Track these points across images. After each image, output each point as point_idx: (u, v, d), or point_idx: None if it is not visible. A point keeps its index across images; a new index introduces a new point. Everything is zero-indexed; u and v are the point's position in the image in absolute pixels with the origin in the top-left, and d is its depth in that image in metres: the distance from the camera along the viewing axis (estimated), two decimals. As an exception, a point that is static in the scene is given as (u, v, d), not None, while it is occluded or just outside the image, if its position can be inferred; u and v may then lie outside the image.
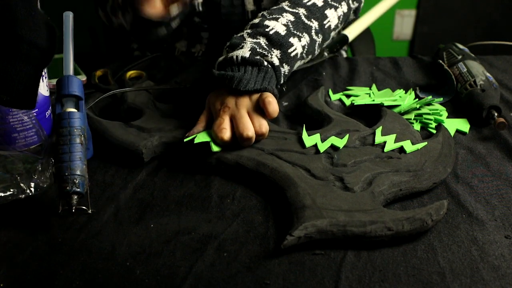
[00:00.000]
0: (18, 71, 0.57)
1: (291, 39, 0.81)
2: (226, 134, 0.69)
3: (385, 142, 0.70)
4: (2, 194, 0.61)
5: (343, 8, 0.92)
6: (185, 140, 0.70)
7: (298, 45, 0.82)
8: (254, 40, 0.79)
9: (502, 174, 0.69)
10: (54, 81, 0.90)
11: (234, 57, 0.76)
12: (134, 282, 0.52)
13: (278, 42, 0.79)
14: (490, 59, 1.06)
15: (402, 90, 0.91)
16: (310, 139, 0.71)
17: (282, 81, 0.80)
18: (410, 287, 0.51)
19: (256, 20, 0.83)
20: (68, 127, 0.60)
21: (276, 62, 0.78)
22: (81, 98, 0.64)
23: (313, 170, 0.65)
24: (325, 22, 0.87)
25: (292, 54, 0.81)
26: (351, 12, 0.97)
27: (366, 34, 1.32)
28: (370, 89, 0.92)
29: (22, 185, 0.62)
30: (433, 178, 0.65)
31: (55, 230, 0.58)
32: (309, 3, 0.86)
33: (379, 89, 0.92)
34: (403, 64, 1.05)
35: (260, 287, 0.51)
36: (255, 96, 0.74)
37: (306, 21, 0.84)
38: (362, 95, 0.89)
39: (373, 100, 0.85)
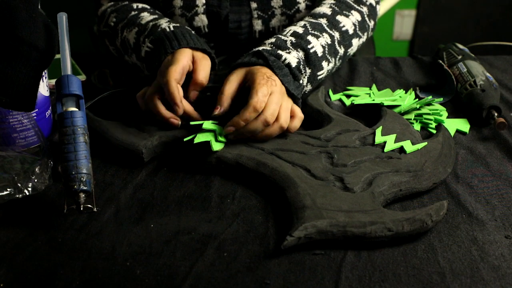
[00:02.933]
0: (18, 73, 0.57)
1: (323, 63, 0.83)
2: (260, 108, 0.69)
3: (385, 142, 0.70)
4: None
5: (364, 38, 0.94)
6: (185, 139, 0.70)
7: (326, 69, 0.85)
8: (297, 53, 0.80)
9: (502, 174, 0.69)
10: (54, 81, 0.91)
11: (283, 58, 0.78)
12: (134, 282, 0.52)
13: (313, 62, 0.81)
14: (490, 59, 1.06)
15: (402, 90, 0.91)
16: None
17: (300, 99, 0.80)
18: (410, 287, 0.51)
19: (299, 30, 0.83)
20: (71, 126, 0.61)
21: (305, 82, 0.81)
22: (82, 97, 0.64)
23: (313, 170, 0.65)
24: (349, 50, 0.90)
25: (319, 77, 0.84)
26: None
27: (366, 34, 1.32)
28: (370, 89, 0.92)
29: (19, 185, 0.62)
30: (433, 179, 0.65)
31: (55, 230, 0.58)
32: (343, 29, 0.87)
33: (379, 89, 0.92)
34: (403, 64, 1.05)
35: (260, 287, 0.51)
36: (291, 101, 0.76)
37: (337, 46, 0.86)
38: (362, 95, 0.89)
39: (373, 100, 0.85)
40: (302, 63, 0.80)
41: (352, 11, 0.90)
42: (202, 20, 0.95)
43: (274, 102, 0.71)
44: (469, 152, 0.74)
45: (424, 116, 0.81)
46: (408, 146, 0.69)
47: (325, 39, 0.84)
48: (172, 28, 0.82)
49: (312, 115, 0.82)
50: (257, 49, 0.78)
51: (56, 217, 0.60)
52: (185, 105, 0.74)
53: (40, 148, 0.68)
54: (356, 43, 0.91)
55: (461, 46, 1.00)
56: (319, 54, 0.82)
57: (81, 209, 0.57)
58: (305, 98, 0.85)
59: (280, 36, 0.83)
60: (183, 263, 0.54)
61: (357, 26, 0.90)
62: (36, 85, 0.60)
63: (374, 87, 0.93)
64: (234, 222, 0.60)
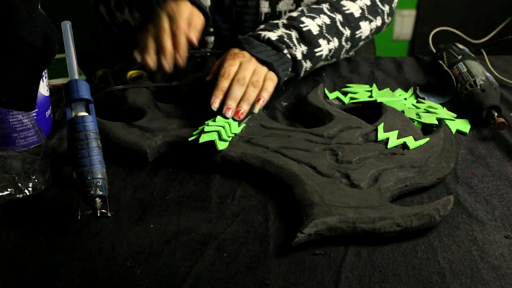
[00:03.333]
0: (18, 72, 0.56)
1: (320, 40, 0.86)
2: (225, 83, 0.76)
3: (387, 139, 0.70)
4: (0, 194, 0.61)
5: (377, 22, 0.96)
6: (189, 139, 0.70)
7: (325, 47, 0.87)
8: (286, 31, 0.84)
9: (502, 174, 0.69)
10: (54, 81, 0.91)
11: (262, 35, 0.83)
12: (134, 282, 0.52)
13: (307, 39, 0.85)
14: (490, 59, 1.06)
15: (401, 90, 0.91)
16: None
17: (302, 75, 0.87)
18: (410, 287, 0.51)
19: (294, 14, 0.88)
20: (84, 131, 0.60)
21: (299, 56, 0.84)
22: (91, 101, 0.64)
23: (319, 167, 0.65)
24: (357, 32, 0.92)
25: (317, 54, 0.86)
26: (384, 26, 1.01)
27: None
28: (371, 87, 0.92)
29: (19, 185, 0.62)
30: (437, 174, 0.65)
31: (55, 230, 0.58)
32: (347, 11, 0.90)
33: (379, 89, 0.92)
34: (403, 64, 1.05)
35: (260, 287, 0.51)
36: (265, 69, 0.80)
37: (340, 27, 0.89)
38: (361, 92, 0.89)
39: (370, 97, 0.85)
40: (293, 39, 0.83)
41: None
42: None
43: (244, 68, 0.78)
44: (469, 152, 0.74)
45: (424, 114, 0.81)
46: (411, 142, 0.69)
47: (322, 19, 0.87)
48: None
49: (312, 112, 0.82)
50: (238, 35, 0.84)
51: (56, 217, 0.60)
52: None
53: (40, 148, 0.68)
54: (366, 26, 0.93)
55: (461, 46, 1.00)
56: (314, 32, 0.86)
57: (98, 214, 0.57)
58: (305, 95, 0.85)
59: (273, 21, 0.88)
60: (183, 263, 0.54)
61: (366, 10, 0.92)
62: (36, 85, 0.60)
63: (374, 86, 0.93)
64: (234, 222, 0.60)
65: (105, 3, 0.97)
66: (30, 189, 0.63)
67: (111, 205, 0.62)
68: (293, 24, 0.86)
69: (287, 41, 0.83)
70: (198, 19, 0.83)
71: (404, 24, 2.27)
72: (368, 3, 0.93)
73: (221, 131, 0.70)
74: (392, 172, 0.64)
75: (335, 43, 0.89)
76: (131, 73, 0.96)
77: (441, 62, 0.95)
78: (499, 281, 0.52)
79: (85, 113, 0.62)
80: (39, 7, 0.60)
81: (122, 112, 0.82)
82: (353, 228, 0.55)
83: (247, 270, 0.53)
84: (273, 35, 0.83)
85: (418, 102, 0.86)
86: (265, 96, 0.79)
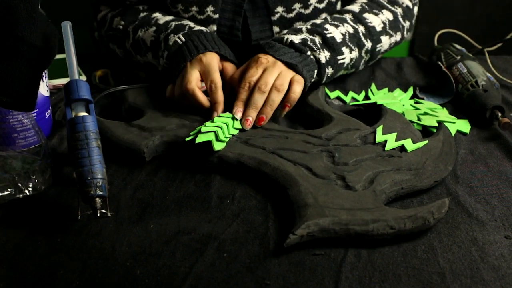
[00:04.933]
0: (18, 72, 0.56)
1: (343, 48, 0.86)
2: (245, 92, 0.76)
3: (386, 141, 0.70)
4: (0, 194, 0.61)
5: (397, 37, 0.96)
6: (186, 139, 0.70)
7: (347, 56, 0.87)
8: (310, 36, 0.84)
9: (502, 174, 0.69)
10: (54, 82, 0.91)
11: (285, 38, 0.82)
12: (134, 282, 0.52)
13: (331, 46, 0.84)
14: (490, 59, 1.06)
15: (400, 90, 0.91)
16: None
17: (324, 81, 0.86)
18: (410, 287, 0.51)
19: (318, 21, 0.88)
20: (84, 131, 0.60)
21: (323, 60, 0.83)
22: (91, 101, 0.64)
23: (315, 168, 0.65)
24: (377, 46, 0.92)
25: (340, 62, 0.86)
26: (403, 41, 1.01)
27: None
28: (370, 88, 0.92)
29: (20, 185, 0.62)
30: (434, 177, 0.65)
31: (55, 230, 0.58)
32: (369, 24, 0.90)
33: (379, 89, 0.92)
34: (403, 64, 1.05)
35: (260, 287, 0.51)
36: (291, 72, 0.79)
37: (362, 38, 0.89)
38: (380, 95, 0.89)
39: (369, 99, 0.86)
40: (315, 42, 0.83)
41: (384, 10, 0.93)
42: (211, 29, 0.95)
43: (267, 74, 0.77)
44: (469, 152, 0.74)
45: (424, 116, 0.81)
46: (409, 145, 0.69)
47: (345, 28, 0.87)
48: (206, 30, 0.86)
49: (312, 114, 0.82)
50: (261, 42, 0.84)
51: (56, 217, 0.60)
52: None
53: (40, 148, 0.68)
54: (387, 41, 0.93)
55: (458, 47, 1.00)
56: (338, 40, 0.85)
57: (98, 214, 0.57)
58: (307, 96, 0.85)
59: (297, 26, 0.87)
60: (183, 263, 0.54)
61: (387, 25, 0.92)
62: (36, 85, 0.60)
63: (373, 86, 0.93)
64: (234, 222, 0.60)
65: (118, 44, 0.95)
66: (30, 189, 0.63)
67: (111, 205, 0.62)
68: (317, 30, 0.85)
69: (311, 44, 0.82)
70: (232, 71, 0.83)
71: (404, 24, 2.27)
72: (391, 18, 0.93)
73: (218, 132, 0.70)
74: (388, 174, 0.64)
75: (356, 53, 0.88)
76: (131, 73, 0.96)
77: (439, 63, 0.95)
78: (499, 281, 0.52)
79: (85, 113, 0.62)
80: (39, 7, 0.60)
81: (122, 111, 0.82)
82: (346, 230, 0.55)
83: (247, 270, 0.53)
84: (296, 38, 0.82)
85: (416, 102, 0.86)
86: (291, 102, 0.78)
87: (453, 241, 0.57)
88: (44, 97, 0.74)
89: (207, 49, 0.82)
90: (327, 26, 0.86)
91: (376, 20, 0.91)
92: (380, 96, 0.88)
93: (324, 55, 0.83)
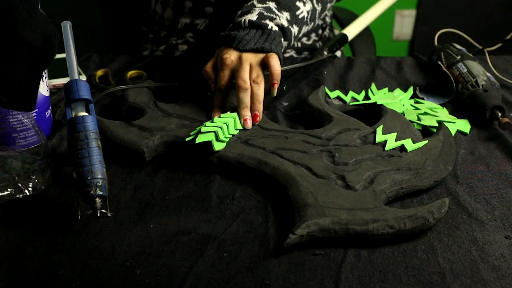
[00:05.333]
0: (18, 72, 0.56)
1: (298, 3, 0.87)
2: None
3: (386, 141, 0.70)
4: (0, 194, 0.61)
5: None
6: (186, 139, 0.70)
7: (304, 9, 0.88)
8: (264, 5, 0.85)
9: (502, 174, 0.69)
10: (54, 82, 0.91)
11: (242, 20, 0.83)
12: (134, 282, 0.52)
13: (286, 5, 0.85)
14: (490, 59, 1.06)
15: (400, 90, 0.91)
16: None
17: (292, 42, 0.87)
18: (410, 287, 0.51)
19: None
20: (83, 131, 0.60)
21: (285, 23, 0.84)
22: (91, 101, 0.64)
23: (315, 168, 0.65)
24: None
25: (300, 16, 0.87)
26: None
27: (367, 34, 1.32)
28: (370, 88, 0.92)
29: (20, 185, 0.62)
30: (434, 176, 0.65)
31: (55, 230, 0.58)
32: None
33: (379, 89, 0.92)
34: (403, 64, 1.05)
35: (260, 287, 0.51)
36: (260, 55, 0.80)
37: None
38: (381, 95, 0.89)
39: (369, 99, 0.85)
40: (273, 9, 0.84)
41: None
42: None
43: (240, 72, 0.77)
44: (469, 152, 0.74)
45: (424, 116, 0.81)
46: (409, 145, 0.69)
47: None
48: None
49: (312, 114, 0.82)
50: (220, 33, 0.84)
51: (56, 217, 0.60)
52: None
53: (40, 148, 0.68)
54: None
55: (458, 46, 1.00)
56: None
57: (98, 214, 0.57)
58: (306, 96, 0.85)
59: (247, 3, 0.88)
60: (183, 263, 0.54)
61: None
62: (36, 85, 0.60)
63: (373, 86, 0.93)
64: (234, 222, 0.60)
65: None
66: (30, 189, 0.63)
67: (111, 205, 0.62)
68: None
69: (268, 14, 0.83)
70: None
71: (404, 24, 2.27)
72: None
73: (218, 132, 0.70)
74: (388, 174, 0.64)
75: (309, 4, 0.90)
76: (131, 73, 0.96)
77: (439, 63, 0.95)
78: (499, 281, 0.52)
79: (85, 113, 0.62)
80: (39, 7, 0.60)
81: (122, 111, 0.82)
82: (345, 229, 0.55)
83: (247, 270, 0.53)
84: (252, 16, 0.83)
85: (416, 102, 0.86)
86: (277, 78, 0.79)
87: (453, 241, 0.57)
88: (44, 97, 0.74)
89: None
90: None
91: None
92: (380, 96, 0.88)
93: (285, 17, 0.84)
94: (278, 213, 0.61)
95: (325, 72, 0.99)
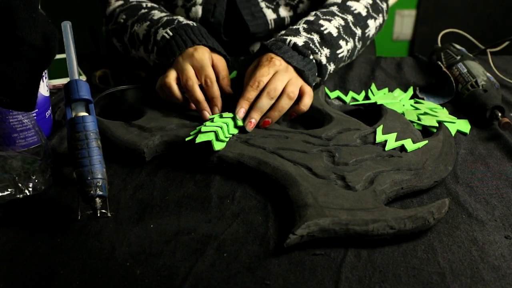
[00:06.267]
0: (18, 72, 0.56)
1: (341, 42, 0.87)
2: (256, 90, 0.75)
3: (386, 141, 0.70)
4: (0, 194, 0.61)
5: (380, 19, 0.98)
6: (186, 139, 0.70)
7: (345, 48, 0.88)
8: (309, 36, 0.84)
9: (502, 174, 0.69)
10: (54, 82, 0.91)
11: (288, 40, 0.82)
12: (134, 282, 0.52)
13: (330, 42, 0.85)
14: (491, 59, 1.06)
15: (400, 90, 0.91)
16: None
17: (325, 78, 0.87)
18: (410, 287, 0.51)
19: (311, 18, 0.88)
20: (83, 131, 0.60)
21: (324, 60, 0.84)
22: (91, 101, 0.64)
23: (315, 168, 0.65)
24: (366, 31, 0.93)
25: (340, 56, 0.87)
26: (383, 24, 1.02)
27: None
28: (370, 88, 0.92)
29: (20, 185, 0.62)
30: (434, 177, 0.65)
31: (55, 230, 0.58)
32: (355, 12, 0.92)
33: (379, 89, 0.92)
34: (403, 64, 1.05)
35: (260, 287, 0.51)
36: (301, 80, 0.79)
37: (352, 27, 0.90)
38: (381, 95, 0.89)
39: (369, 99, 0.85)
40: (316, 43, 0.83)
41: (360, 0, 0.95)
42: (197, 11, 1.00)
43: (278, 79, 0.76)
44: (469, 153, 0.74)
45: (424, 116, 0.81)
46: (409, 145, 0.69)
47: (338, 21, 0.88)
48: (192, 24, 0.86)
49: (312, 114, 0.82)
50: (263, 42, 0.83)
51: (56, 217, 0.60)
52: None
53: (40, 148, 0.68)
54: (372, 24, 0.94)
55: (458, 47, 1.00)
56: (334, 34, 0.86)
57: (98, 214, 0.57)
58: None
59: (292, 26, 0.87)
60: (183, 263, 0.54)
61: (370, 8, 0.94)
62: (36, 85, 0.60)
63: (373, 86, 0.93)
64: (234, 222, 0.60)
65: (118, 38, 0.97)
66: (30, 189, 0.63)
67: (111, 205, 0.62)
68: (313, 27, 0.85)
69: (312, 46, 0.83)
70: (223, 64, 0.83)
71: (404, 24, 2.27)
72: (370, 1, 0.95)
73: (218, 132, 0.70)
74: (389, 174, 0.64)
75: (351, 43, 0.89)
76: (131, 73, 0.96)
77: (439, 63, 0.95)
78: (499, 282, 0.52)
79: (85, 113, 0.62)
80: (39, 7, 0.60)
81: (122, 111, 0.82)
82: (345, 230, 0.55)
83: (247, 270, 0.53)
84: (299, 41, 0.82)
85: (416, 102, 0.86)
86: (299, 113, 0.78)
87: (453, 241, 0.57)
88: (44, 97, 0.74)
89: (195, 43, 0.82)
90: (321, 22, 0.87)
91: (359, 6, 0.93)
92: (380, 96, 0.88)
93: (324, 54, 0.84)
94: (278, 213, 0.61)
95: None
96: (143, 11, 0.94)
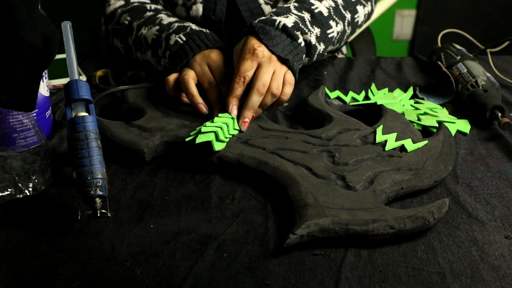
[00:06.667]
0: (18, 73, 0.56)
1: (331, 22, 0.87)
2: (243, 83, 0.76)
3: (386, 141, 0.70)
4: (0, 194, 0.61)
5: (368, 7, 0.98)
6: (186, 139, 0.70)
7: (335, 29, 0.88)
8: (299, 14, 0.84)
9: (502, 174, 0.69)
10: (54, 82, 0.91)
11: (277, 21, 0.81)
12: (134, 282, 0.52)
13: (320, 21, 0.85)
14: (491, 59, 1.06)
15: (400, 90, 0.91)
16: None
17: (314, 58, 0.87)
18: (410, 287, 0.51)
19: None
20: (84, 131, 0.60)
21: (314, 40, 0.84)
22: (91, 101, 0.64)
23: (315, 168, 0.65)
24: (355, 16, 0.94)
25: (330, 36, 0.87)
26: (371, 14, 1.02)
27: (367, 34, 1.32)
28: (370, 88, 0.92)
29: (20, 185, 0.62)
30: (434, 177, 0.65)
31: (55, 230, 0.58)
32: None
33: (379, 89, 0.92)
34: (403, 64, 1.05)
35: (260, 287, 0.51)
36: (285, 68, 0.79)
37: (342, 10, 0.90)
38: (380, 95, 0.89)
39: (369, 100, 0.85)
40: (306, 22, 0.83)
41: None
42: (197, 9, 1.00)
43: (264, 72, 0.75)
44: (469, 153, 0.74)
45: (425, 116, 0.81)
46: (409, 145, 0.69)
47: (328, 2, 0.89)
48: (206, 30, 0.88)
49: (312, 114, 0.82)
50: (252, 22, 0.82)
51: (56, 217, 0.60)
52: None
53: (40, 148, 0.68)
54: (361, 11, 0.95)
55: (458, 47, 1.00)
56: (325, 14, 0.87)
57: (98, 215, 0.57)
58: (306, 96, 0.85)
59: (283, 5, 0.87)
60: (183, 263, 0.54)
61: None
62: (36, 85, 0.60)
63: (373, 86, 0.93)
64: (234, 222, 0.60)
65: (121, 39, 0.97)
66: (30, 189, 0.63)
67: (111, 205, 0.62)
68: (304, 6, 0.86)
69: (302, 26, 0.82)
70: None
71: (404, 24, 2.27)
72: None
73: (218, 132, 0.70)
74: (389, 174, 0.64)
75: (341, 25, 0.90)
76: (131, 73, 0.96)
77: (439, 63, 0.95)
78: (499, 282, 0.52)
79: (85, 113, 0.62)
80: (39, 7, 0.60)
81: (122, 111, 0.82)
82: (346, 229, 0.55)
83: (247, 270, 0.53)
84: (288, 22, 0.81)
85: (416, 102, 0.86)
86: (280, 104, 0.79)
87: (453, 241, 0.57)
88: (44, 97, 0.74)
89: (208, 47, 0.83)
90: (312, 1, 0.87)
91: None
92: (380, 96, 0.88)
93: (314, 34, 0.84)
94: (278, 213, 0.61)
95: (325, 72, 0.99)
96: (148, 14, 0.94)
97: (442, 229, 0.59)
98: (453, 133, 0.78)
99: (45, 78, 0.74)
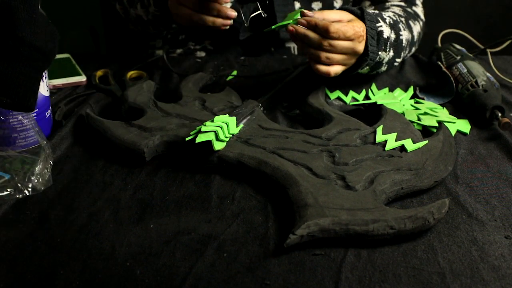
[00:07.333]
0: (18, 73, 0.56)
1: (402, 53, 0.92)
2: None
3: (386, 141, 0.70)
4: (0, 194, 0.61)
5: (413, 51, 1.05)
6: (186, 139, 0.70)
7: (399, 60, 0.93)
8: (390, 31, 0.86)
9: (502, 174, 0.69)
10: (54, 82, 0.91)
11: (379, 23, 0.83)
12: (134, 282, 0.52)
13: (397, 48, 0.89)
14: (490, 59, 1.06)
15: (401, 90, 0.91)
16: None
17: (363, 73, 0.90)
18: (410, 287, 0.51)
19: (394, 17, 0.91)
20: None
21: (385, 60, 0.87)
22: None
23: (315, 168, 0.65)
24: (408, 55, 1.01)
25: (395, 64, 0.92)
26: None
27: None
28: (370, 88, 0.92)
29: (19, 185, 0.62)
30: (434, 177, 0.65)
31: (55, 230, 0.58)
32: (414, 33, 0.97)
33: (379, 89, 0.92)
34: (403, 64, 1.05)
35: (260, 287, 0.51)
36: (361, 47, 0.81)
37: (407, 46, 0.95)
38: (381, 95, 0.90)
39: (370, 99, 0.85)
40: (390, 41, 0.86)
41: (416, 22, 1.00)
42: None
43: (347, 30, 0.77)
44: (469, 153, 0.74)
45: (425, 116, 0.81)
46: (409, 145, 0.69)
47: (407, 33, 0.92)
48: None
49: (312, 114, 0.82)
50: (359, 6, 0.84)
51: (56, 217, 0.60)
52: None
53: (40, 148, 0.68)
54: (411, 52, 1.01)
55: (458, 47, 1.00)
56: (404, 44, 0.90)
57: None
58: (306, 97, 0.85)
59: (380, 12, 0.90)
60: (183, 263, 0.54)
61: (416, 38, 1.00)
62: (36, 86, 0.60)
63: (373, 86, 0.93)
64: (234, 222, 0.60)
65: (119, 1, 1.02)
66: (30, 189, 0.63)
67: (111, 206, 0.62)
68: (395, 28, 0.88)
69: (387, 43, 0.85)
70: None
71: (404, 24, 2.27)
72: (419, 30, 1.02)
73: (218, 132, 0.70)
74: (389, 174, 0.64)
75: (400, 59, 0.94)
76: (131, 73, 0.96)
77: (439, 63, 0.95)
78: (499, 282, 0.52)
79: None
80: (39, 7, 0.60)
81: (122, 111, 0.82)
82: (346, 230, 0.55)
83: (247, 270, 0.53)
84: (386, 31, 0.84)
85: (416, 102, 0.86)
86: (321, 27, 0.78)
87: (453, 241, 0.57)
88: (44, 97, 0.74)
89: None
90: (400, 26, 0.90)
91: (416, 29, 0.98)
92: (380, 96, 0.88)
93: (388, 56, 0.87)
94: (278, 213, 0.61)
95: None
96: None
97: (442, 229, 0.59)
98: (453, 133, 0.78)
99: (45, 78, 0.74)
